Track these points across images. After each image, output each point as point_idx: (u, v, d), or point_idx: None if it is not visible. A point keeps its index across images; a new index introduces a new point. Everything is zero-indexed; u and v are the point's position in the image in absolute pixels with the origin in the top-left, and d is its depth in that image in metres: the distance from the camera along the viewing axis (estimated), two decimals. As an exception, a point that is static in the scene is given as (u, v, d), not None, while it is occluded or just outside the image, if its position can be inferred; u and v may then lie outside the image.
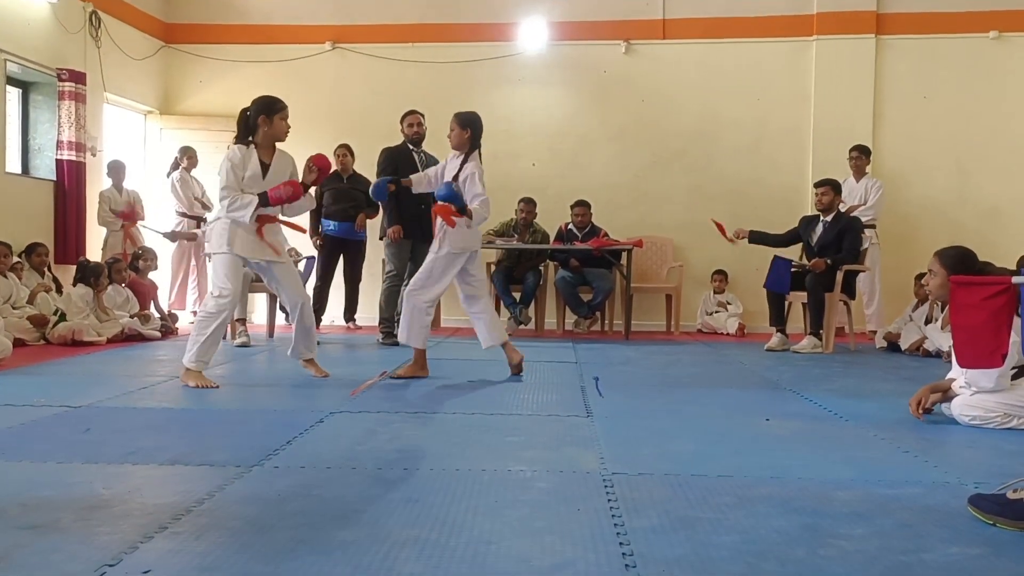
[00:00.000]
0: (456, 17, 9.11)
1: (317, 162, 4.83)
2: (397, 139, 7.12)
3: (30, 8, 7.36)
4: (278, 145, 4.82)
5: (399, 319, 6.78)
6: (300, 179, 4.79)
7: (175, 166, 8.38)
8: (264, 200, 4.66)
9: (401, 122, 7.05)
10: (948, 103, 8.71)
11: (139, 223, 8.16)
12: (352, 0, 9.23)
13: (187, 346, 4.64)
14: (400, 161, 6.80)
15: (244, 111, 4.78)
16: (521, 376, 5.11)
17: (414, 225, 6.82)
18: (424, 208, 6.79)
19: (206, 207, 8.43)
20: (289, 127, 4.83)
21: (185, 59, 9.33)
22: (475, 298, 5.16)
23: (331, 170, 5.28)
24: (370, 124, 8.69)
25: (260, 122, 4.72)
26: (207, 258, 4.88)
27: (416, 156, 6.96)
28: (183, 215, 8.38)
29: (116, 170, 8.07)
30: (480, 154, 5.08)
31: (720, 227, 7.28)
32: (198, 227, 8.40)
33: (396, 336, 6.80)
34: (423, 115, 7.04)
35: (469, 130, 4.99)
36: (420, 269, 5.12)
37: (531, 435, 3.51)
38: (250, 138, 4.74)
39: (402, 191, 6.74)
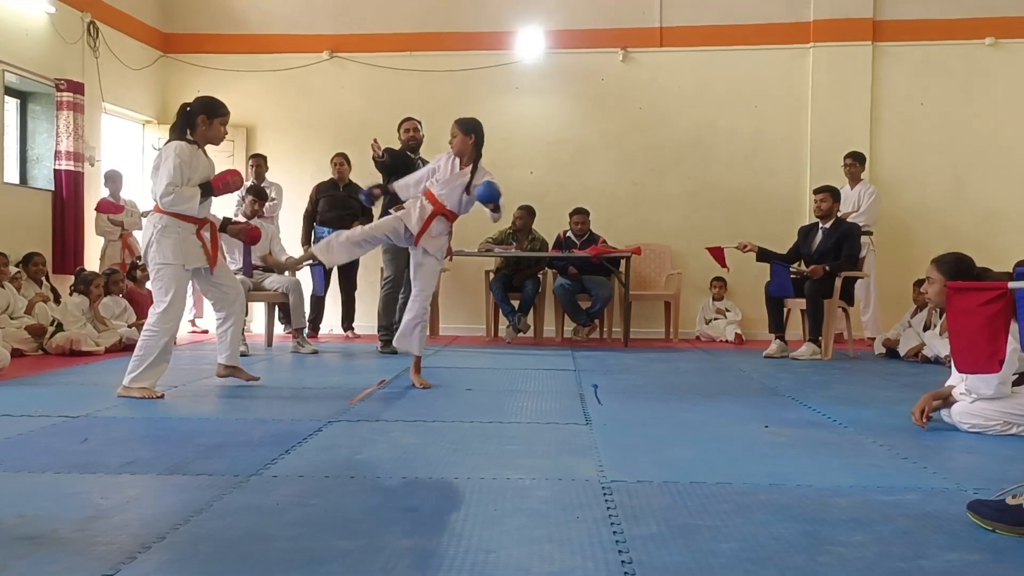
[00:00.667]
0: (454, 26, 9.14)
1: (248, 236, 4.78)
2: (394, 147, 7.13)
3: (28, 18, 7.38)
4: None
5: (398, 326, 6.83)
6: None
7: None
8: (208, 189, 4.51)
9: (398, 129, 7.06)
10: (945, 109, 8.74)
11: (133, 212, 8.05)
12: (350, 9, 9.26)
13: (130, 365, 4.45)
14: (400, 163, 6.77)
15: (184, 106, 4.63)
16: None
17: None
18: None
19: None
20: (226, 134, 4.73)
21: (183, 69, 9.35)
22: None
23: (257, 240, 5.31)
24: (368, 133, 8.63)
25: (200, 121, 4.57)
26: (146, 267, 4.65)
27: (416, 163, 6.89)
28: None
29: (113, 180, 8.08)
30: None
31: (719, 254, 7.26)
32: None
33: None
34: (420, 121, 7.05)
35: (473, 136, 4.93)
36: (423, 275, 5.02)
37: (530, 443, 3.51)
38: (189, 135, 4.57)
39: (395, 196, 6.78)
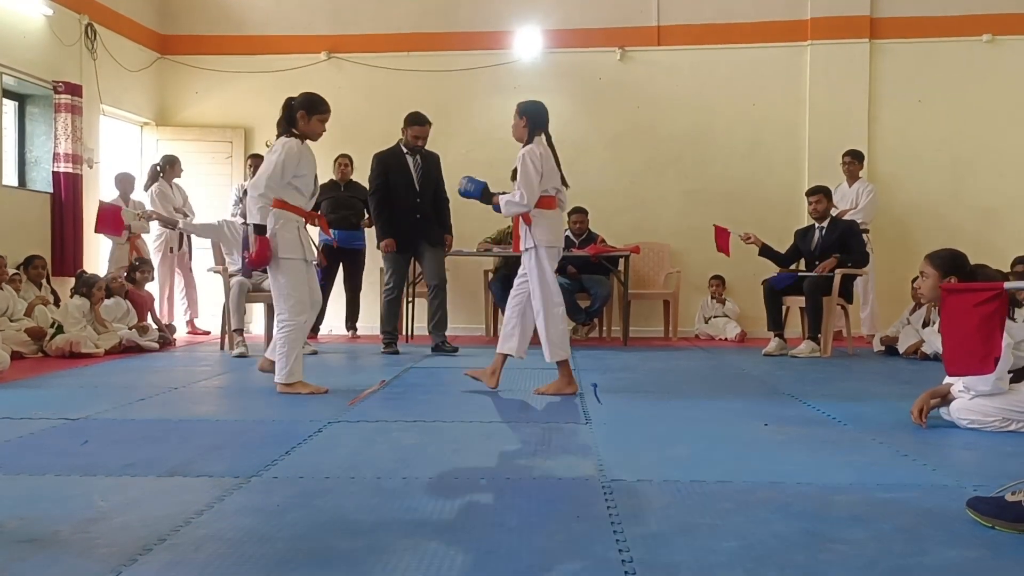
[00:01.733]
0: (452, 26, 9.14)
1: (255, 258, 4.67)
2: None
3: (26, 21, 7.37)
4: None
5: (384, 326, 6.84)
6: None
7: (153, 178, 8.24)
8: (257, 231, 4.55)
9: (405, 128, 6.78)
10: (942, 106, 8.74)
11: (123, 209, 8.03)
12: (347, 10, 9.26)
13: (279, 364, 4.63)
14: (391, 164, 6.76)
15: (289, 100, 4.71)
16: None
17: (413, 235, 6.77)
18: (419, 217, 6.74)
19: (187, 216, 8.38)
20: (324, 131, 4.79)
21: (181, 70, 9.35)
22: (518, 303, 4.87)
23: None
24: (366, 133, 8.68)
25: (299, 117, 4.66)
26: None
27: (410, 159, 6.80)
28: (164, 226, 8.31)
29: (124, 181, 8.07)
30: (547, 138, 4.82)
31: (722, 234, 7.20)
32: (180, 238, 8.36)
33: (397, 345, 6.88)
34: (430, 124, 6.83)
35: (525, 118, 4.80)
36: (520, 277, 4.82)
37: (529, 442, 3.51)
38: (294, 131, 4.66)
39: (396, 200, 6.67)
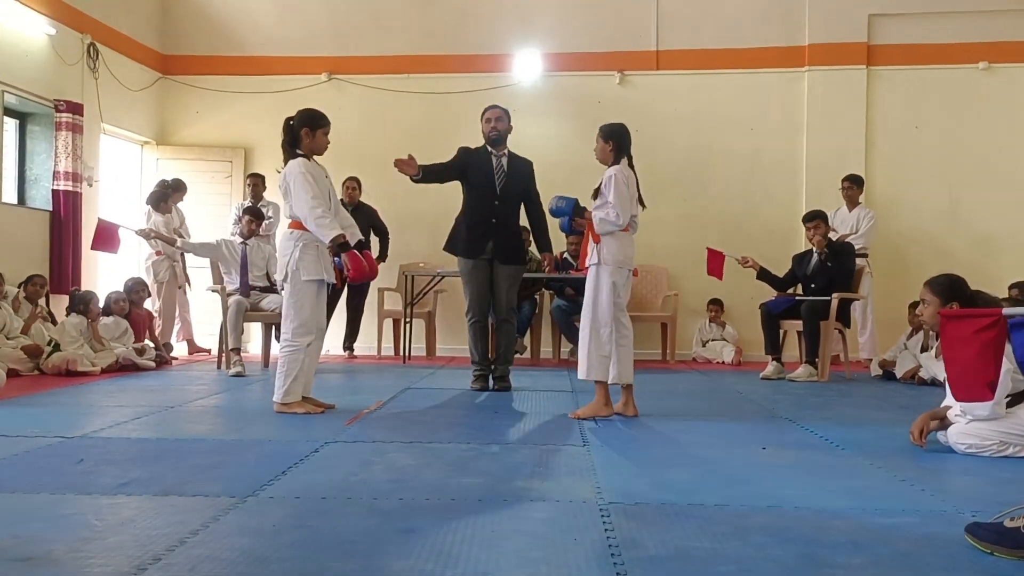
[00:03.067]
0: (452, 48, 9.20)
1: (353, 275, 4.65)
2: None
3: (28, 39, 7.41)
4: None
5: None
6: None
7: (163, 198, 8.15)
8: (342, 249, 4.55)
9: (481, 118, 6.13)
10: (939, 133, 8.80)
11: (120, 227, 8.01)
12: (348, 32, 9.32)
13: (276, 383, 4.70)
14: (473, 162, 5.99)
15: (288, 121, 4.75)
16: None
17: (481, 243, 5.91)
18: (495, 222, 5.94)
19: (182, 237, 8.35)
20: (328, 143, 4.83)
21: (182, 90, 9.39)
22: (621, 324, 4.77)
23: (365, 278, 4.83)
24: (366, 155, 8.73)
25: (303, 135, 4.70)
26: (285, 280, 4.76)
27: (495, 159, 6.01)
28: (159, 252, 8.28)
29: (162, 198, 8.06)
30: (629, 161, 4.86)
31: (715, 257, 7.18)
32: (176, 260, 8.32)
33: (487, 379, 6.00)
34: (506, 110, 6.15)
35: (612, 142, 4.84)
36: (586, 293, 4.74)
37: (527, 464, 3.50)
38: (299, 151, 4.71)
39: (478, 199, 5.95)
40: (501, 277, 5.99)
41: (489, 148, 6.04)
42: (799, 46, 8.93)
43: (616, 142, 4.83)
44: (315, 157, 4.79)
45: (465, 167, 5.97)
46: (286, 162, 4.73)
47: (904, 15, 8.85)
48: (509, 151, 6.11)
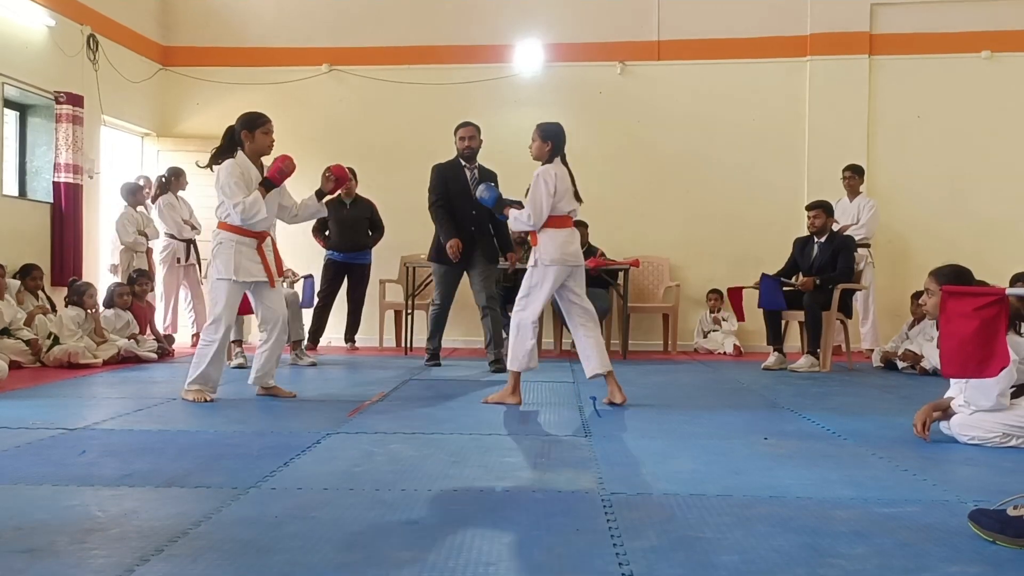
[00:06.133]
0: (452, 39, 9.17)
1: (335, 171, 4.92)
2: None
3: (28, 31, 7.39)
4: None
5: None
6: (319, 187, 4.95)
7: (162, 190, 8.24)
8: (267, 184, 4.70)
9: (455, 135, 6.61)
10: (941, 122, 8.77)
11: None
12: (348, 22, 9.29)
13: (189, 371, 4.81)
14: (450, 177, 6.51)
15: (230, 128, 4.85)
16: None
17: (468, 249, 6.46)
18: (474, 230, 6.50)
19: (194, 228, 8.39)
20: (273, 141, 4.87)
21: (182, 82, 9.37)
22: (578, 324, 4.91)
23: (348, 180, 5.24)
24: (366, 146, 8.73)
25: (243, 137, 4.78)
26: (202, 279, 4.94)
27: (468, 172, 6.55)
28: (171, 237, 8.31)
29: (132, 192, 8.07)
30: (563, 159, 4.91)
31: (736, 296, 7.23)
32: (187, 250, 8.35)
33: (438, 358, 6.82)
34: (478, 128, 6.59)
35: (550, 142, 4.87)
36: (521, 287, 4.90)
37: (529, 455, 3.50)
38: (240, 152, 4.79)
39: (456, 210, 6.48)
40: (476, 275, 6.58)
41: (463, 162, 6.58)
42: (801, 35, 8.89)
43: (554, 142, 4.89)
44: (263, 159, 4.87)
45: (446, 182, 6.51)
46: (214, 164, 4.82)
47: (906, 4, 8.82)
48: (479, 164, 6.64)
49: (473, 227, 6.48)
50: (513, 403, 4.82)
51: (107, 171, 8.54)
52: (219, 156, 4.81)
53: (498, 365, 6.31)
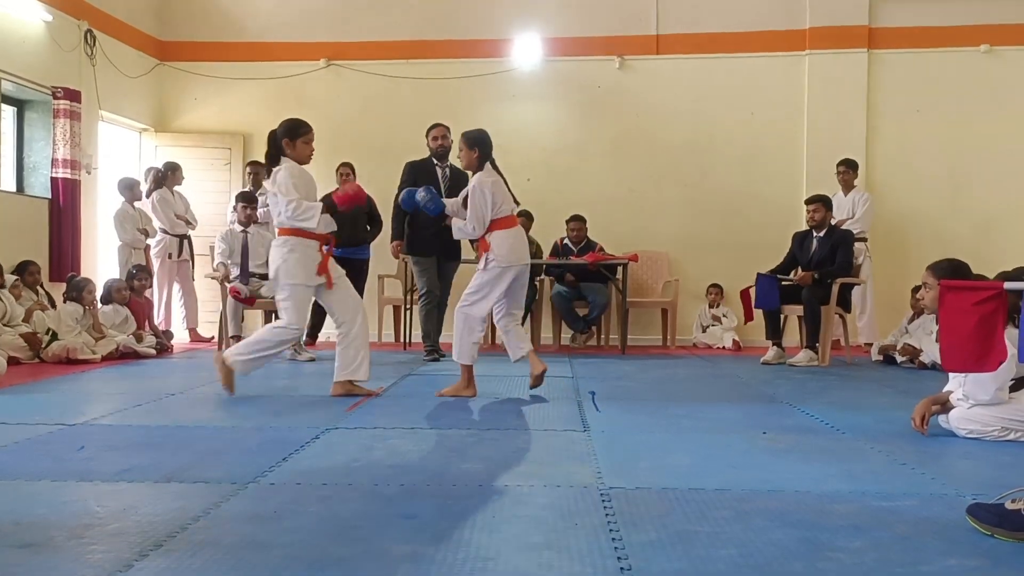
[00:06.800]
0: (451, 34, 9.15)
1: (352, 195, 4.81)
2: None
3: (25, 26, 7.37)
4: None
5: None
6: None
7: (157, 184, 8.23)
8: (332, 208, 4.69)
9: (426, 135, 6.94)
10: (940, 116, 8.76)
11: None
12: (347, 17, 9.27)
13: (242, 347, 4.78)
14: (422, 175, 6.70)
15: (271, 134, 4.81)
16: (537, 390, 5.07)
17: (435, 242, 6.77)
18: (445, 227, 6.52)
19: (189, 223, 8.37)
20: (312, 151, 4.86)
21: (180, 77, 9.35)
22: (511, 314, 5.10)
23: (363, 203, 5.24)
24: (365, 141, 8.71)
25: (285, 145, 4.75)
26: (276, 284, 4.80)
27: (440, 170, 6.87)
28: (164, 232, 8.30)
29: (130, 188, 8.05)
30: (494, 166, 5.00)
31: (747, 299, 7.27)
32: (180, 245, 8.34)
33: (439, 352, 6.91)
34: (448, 128, 6.87)
35: (477, 149, 4.95)
36: (470, 284, 5.00)
37: (528, 450, 3.50)
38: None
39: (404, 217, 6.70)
40: (446, 270, 7.08)
41: (435, 161, 6.89)
42: (800, 29, 8.88)
43: (480, 149, 4.95)
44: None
45: (416, 179, 6.59)
46: (270, 171, 4.78)
47: (905, -3, 8.82)
48: (450, 163, 6.87)
49: (444, 224, 6.51)
50: (468, 395, 4.91)
51: (105, 166, 8.52)
52: (272, 161, 4.79)
53: (439, 353, 6.82)
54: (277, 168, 4.75)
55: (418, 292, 7.09)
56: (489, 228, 4.89)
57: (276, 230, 4.86)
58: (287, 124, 4.80)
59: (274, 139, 4.80)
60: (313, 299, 5.03)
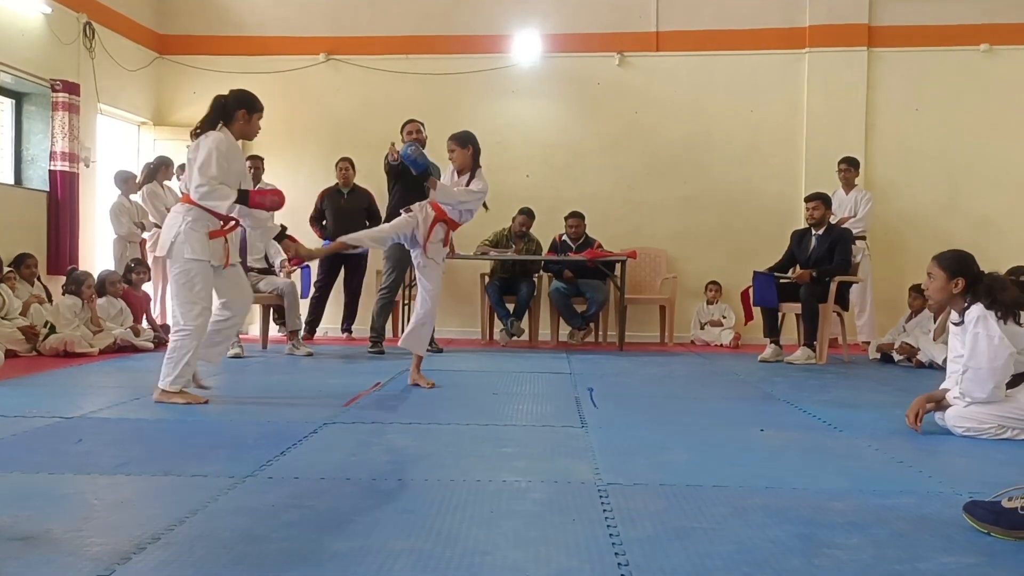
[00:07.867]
0: (450, 29, 9.14)
1: (267, 197, 4.46)
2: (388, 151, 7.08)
3: (24, 19, 7.36)
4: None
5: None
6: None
7: (149, 177, 8.19)
8: (244, 199, 4.33)
9: (401, 131, 6.96)
10: (940, 115, 8.77)
11: None
12: (346, 12, 9.26)
13: (164, 370, 4.34)
14: (400, 170, 6.65)
15: (221, 97, 4.51)
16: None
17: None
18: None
19: None
20: (260, 129, 4.66)
21: (179, 70, 9.33)
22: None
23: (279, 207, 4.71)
24: (363, 136, 8.69)
25: (239, 116, 4.48)
26: (165, 264, 4.54)
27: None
28: (157, 226, 8.27)
29: (126, 181, 8.03)
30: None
31: (746, 299, 7.28)
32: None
33: (383, 346, 6.98)
34: (423, 123, 6.97)
35: (471, 147, 4.99)
36: (431, 280, 5.04)
37: (525, 446, 3.50)
38: (223, 127, 4.45)
39: (402, 198, 6.60)
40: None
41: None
42: (800, 27, 8.88)
43: (474, 146, 5.03)
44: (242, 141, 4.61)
45: (400, 169, 6.54)
46: (200, 134, 4.41)
47: (905, -4, 8.82)
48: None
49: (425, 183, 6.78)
50: (428, 386, 5.05)
51: (103, 159, 8.51)
52: (205, 127, 4.44)
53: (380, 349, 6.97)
54: (205, 135, 4.38)
55: (383, 281, 7.01)
56: (453, 226, 5.03)
57: (180, 196, 4.57)
58: (246, 96, 4.55)
59: (223, 105, 4.47)
60: (247, 284, 4.80)
